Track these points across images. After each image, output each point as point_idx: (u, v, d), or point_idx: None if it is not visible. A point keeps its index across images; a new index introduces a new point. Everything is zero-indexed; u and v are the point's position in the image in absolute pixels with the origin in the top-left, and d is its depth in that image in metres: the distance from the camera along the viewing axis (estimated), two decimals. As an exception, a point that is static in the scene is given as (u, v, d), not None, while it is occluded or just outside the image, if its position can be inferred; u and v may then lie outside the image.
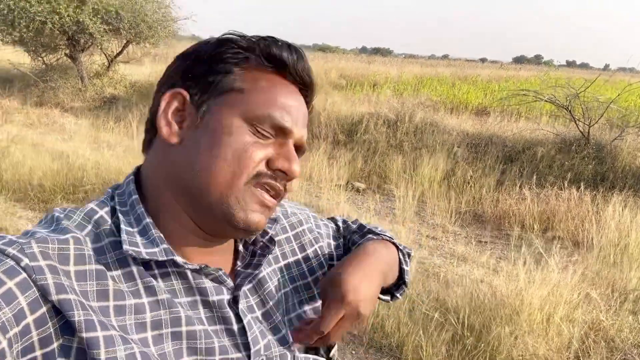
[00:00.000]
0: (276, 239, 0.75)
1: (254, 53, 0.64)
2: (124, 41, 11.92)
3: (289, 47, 0.66)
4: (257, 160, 0.62)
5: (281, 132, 0.64)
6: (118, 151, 6.22)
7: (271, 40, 0.65)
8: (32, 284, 0.51)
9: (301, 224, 0.83)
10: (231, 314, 0.63)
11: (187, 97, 0.63)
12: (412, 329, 2.76)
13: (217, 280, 0.63)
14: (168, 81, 0.66)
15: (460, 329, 2.72)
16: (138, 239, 0.59)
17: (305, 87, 0.69)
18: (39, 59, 11.71)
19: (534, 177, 5.66)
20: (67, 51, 11.21)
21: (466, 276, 3.58)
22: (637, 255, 3.97)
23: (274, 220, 0.76)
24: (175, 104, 0.64)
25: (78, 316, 0.52)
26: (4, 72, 12.71)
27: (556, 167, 6.30)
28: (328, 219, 0.91)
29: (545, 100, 7.81)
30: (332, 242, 0.86)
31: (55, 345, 0.51)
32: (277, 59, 0.65)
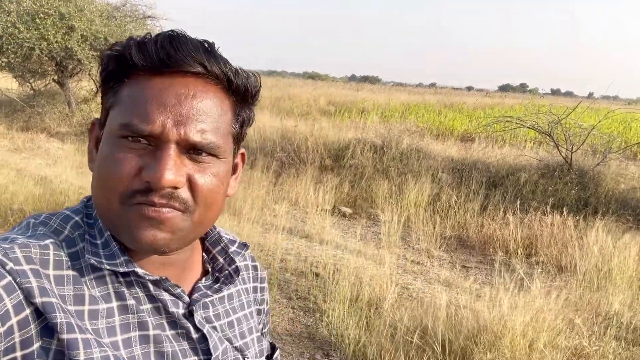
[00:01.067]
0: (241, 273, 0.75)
1: (112, 65, 0.60)
2: (113, 67, 11.97)
3: (144, 41, 0.58)
4: (124, 176, 0.56)
5: (150, 138, 0.56)
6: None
7: (124, 44, 0.59)
8: (16, 287, 0.52)
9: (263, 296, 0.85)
10: (189, 325, 0.65)
11: (98, 123, 0.65)
12: (394, 355, 2.72)
13: (174, 295, 0.65)
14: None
15: (441, 354, 2.68)
16: (100, 250, 0.60)
17: (205, 72, 0.59)
18: (27, 84, 11.70)
19: (518, 202, 5.70)
20: (55, 77, 11.23)
21: (450, 301, 3.55)
22: (619, 280, 3.98)
23: (244, 245, 0.79)
24: (95, 133, 0.65)
25: (60, 318, 0.53)
26: (-10, 97, 12.67)
27: (539, 193, 6.36)
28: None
29: (528, 127, 7.94)
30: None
31: (34, 347, 0.53)
32: (129, 63, 0.58)
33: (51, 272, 0.56)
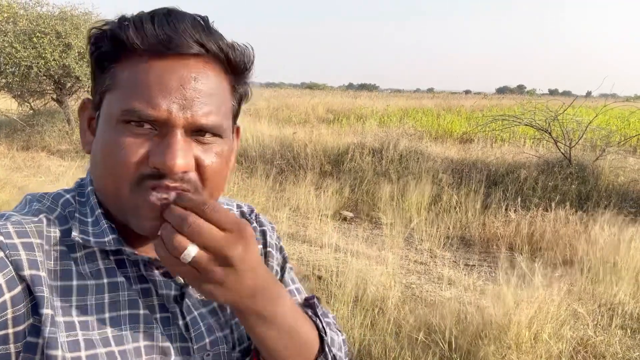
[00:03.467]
0: None
1: (105, 45, 0.58)
2: (111, 84, 12.05)
3: (140, 20, 0.56)
4: (132, 162, 0.55)
5: (155, 123, 0.56)
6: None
7: (118, 24, 0.57)
8: (8, 262, 0.52)
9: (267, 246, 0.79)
10: (177, 309, 0.63)
11: (91, 104, 0.63)
12: (399, 353, 2.70)
13: (167, 275, 0.63)
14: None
15: (447, 350, 2.66)
16: (90, 228, 0.60)
17: (205, 53, 0.58)
18: (26, 104, 11.77)
19: (519, 199, 5.69)
20: (54, 95, 11.30)
21: (454, 298, 3.53)
22: (624, 272, 3.96)
23: (245, 212, 0.79)
24: (87, 112, 0.64)
25: (47, 293, 0.53)
26: (-10, 118, 12.74)
27: (540, 189, 6.35)
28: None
29: (525, 124, 7.95)
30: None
31: (26, 324, 0.53)
32: (126, 43, 0.56)
33: (45, 244, 0.57)
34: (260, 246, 0.78)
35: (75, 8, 10.82)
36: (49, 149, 10.49)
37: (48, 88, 11.25)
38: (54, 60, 9.77)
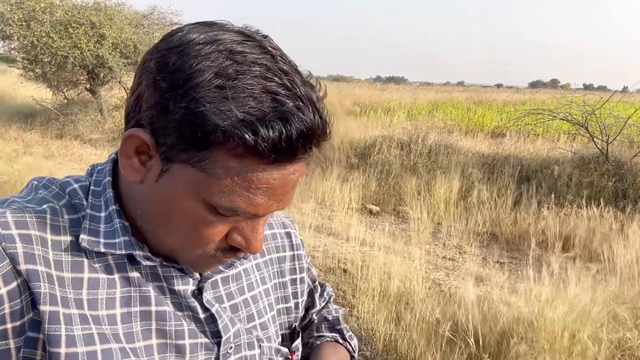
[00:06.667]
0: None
1: (254, 145, 0.48)
2: (142, 74, 12.25)
3: (268, 123, 0.47)
4: (212, 240, 0.55)
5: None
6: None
7: (245, 119, 0.47)
8: (5, 255, 0.50)
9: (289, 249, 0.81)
10: (196, 304, 0.61)
11: (152, 143, 0.52)
12: (426, 349, 2.64)
13: (183, 270, 0.61)
14: (139, 103, 0.53)
15: (476, 349, 2.59)
16: (102, 225, 0.56)
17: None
18: (61, 93, 12.08)
19: (552, 195, 5.51)
20: (88, 85, 11.55)
21: (483, 296, 3.44)
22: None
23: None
24: (139, 143, 0.53)
25: (44, 288, 0.51)
26: (27, 107, 13.12)
27: (574, 185, 6.13)
28: (319, 283, 0.89)
29: (561, 119, 7.69)
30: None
31: (25, 318, 0.51)
32: (284, 151, 0.49)
33: (49, 235, 0.54)
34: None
35: (108, -1, 11.03)
36: (82, 138, 10.75)
37: (82, 78, 11.51)
38: (89, 50, 9.98)
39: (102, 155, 9.05)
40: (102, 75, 11.20)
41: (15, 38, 10.10)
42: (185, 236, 0.55)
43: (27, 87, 11.77)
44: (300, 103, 0.49)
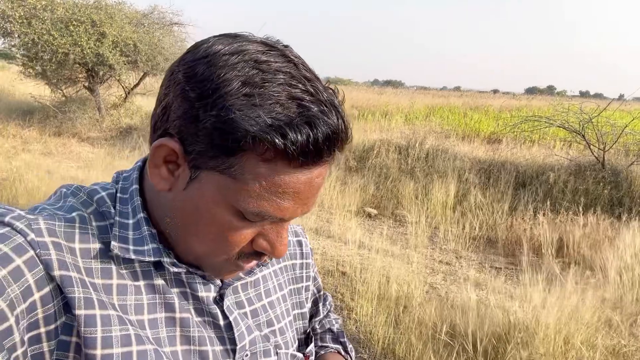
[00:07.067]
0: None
1: (283, 149, 0.49)
2: (141, 73, 12.26)
3: (298, 128, 0.49)
4: (238, 245, 0.57)
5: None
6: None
7: (276, 123, 0.49)
8: (38, 261, 0.51)
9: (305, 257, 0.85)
10: (217, 310, 0.63)
11: (180, 151, 0.54)
12: (423, 353, 2.68)
13: (205, 277, 0.63)
14: (167, 112, 0.54)
15: (473, 353, 2.63)
16: (130, 233, 0.58)
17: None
18: (59, 91, 12.06)
19: (548, 202, 5.57)
20: (86, 83, 11.54)
21: (480, 301, 3.48)
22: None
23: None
24: (168, 152, 0.55)
25: (78, 293, 0.52)
26: (25, 104, 13.09)
27: (569, 192, 6.20)
28: (323, 293, 0.91)
29: (558, 126, 7.76)
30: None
31: (58, 322, 0.52)
32: (311, 154, 0.51)
33: (77, 245, 0.55)
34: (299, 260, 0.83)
35: (109, -3, 11.03)
36: (80, 136, 10.73)
37: (80, 76, 11.49)
38: (89, 48, 9.97)
39: (99, 153, 9.04)
40: (101, 73, 11.19)
41: (16, 35, 10.08)
42: (211, 242, 0.57)
43: (26, 83, 11.74)
44: (325, 108, 0.51)
